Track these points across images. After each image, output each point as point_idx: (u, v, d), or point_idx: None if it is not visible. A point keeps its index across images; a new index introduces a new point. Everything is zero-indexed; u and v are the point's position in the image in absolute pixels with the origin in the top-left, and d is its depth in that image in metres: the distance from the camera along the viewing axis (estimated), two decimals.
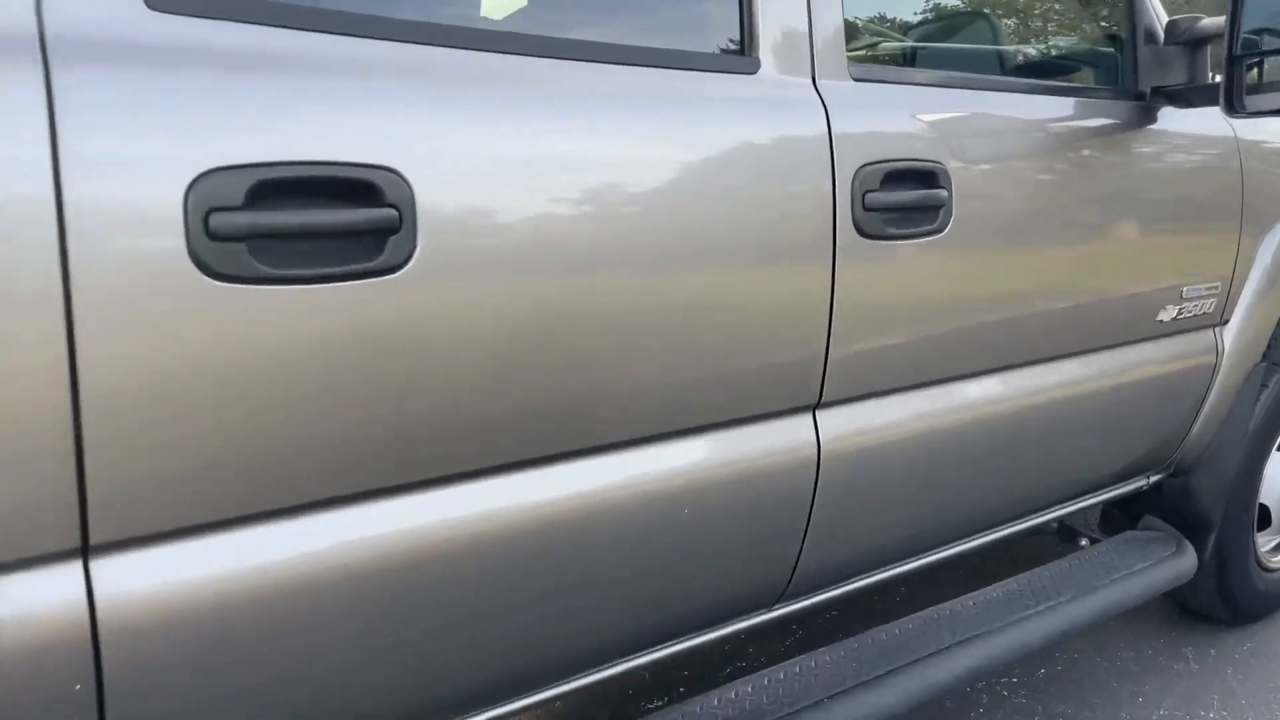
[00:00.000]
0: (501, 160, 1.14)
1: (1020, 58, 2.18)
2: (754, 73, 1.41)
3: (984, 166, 1.64)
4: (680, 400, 1.34)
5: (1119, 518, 2.43)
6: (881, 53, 1.89)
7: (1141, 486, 2.30)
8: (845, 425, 1.55)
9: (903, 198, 1.50)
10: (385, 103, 1.07)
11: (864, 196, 1.45)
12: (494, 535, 1.22)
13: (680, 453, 1.38)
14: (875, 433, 1.60)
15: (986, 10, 2.15)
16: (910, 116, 1.55)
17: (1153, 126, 1.95)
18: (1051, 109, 1.80)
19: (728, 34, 1.41)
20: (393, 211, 1.05)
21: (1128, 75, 1.99)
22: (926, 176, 1.53)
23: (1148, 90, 1.97)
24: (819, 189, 1.41)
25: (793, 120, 1.41)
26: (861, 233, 1.45)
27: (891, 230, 1.49)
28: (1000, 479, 1.88)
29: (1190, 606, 2.56)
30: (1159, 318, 2.02)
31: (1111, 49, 2.09)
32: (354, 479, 1.10)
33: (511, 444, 1.21)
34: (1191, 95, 1.96)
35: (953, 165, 1.56)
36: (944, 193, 1.54)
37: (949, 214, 1.56)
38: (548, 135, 1.18)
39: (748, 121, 1.37)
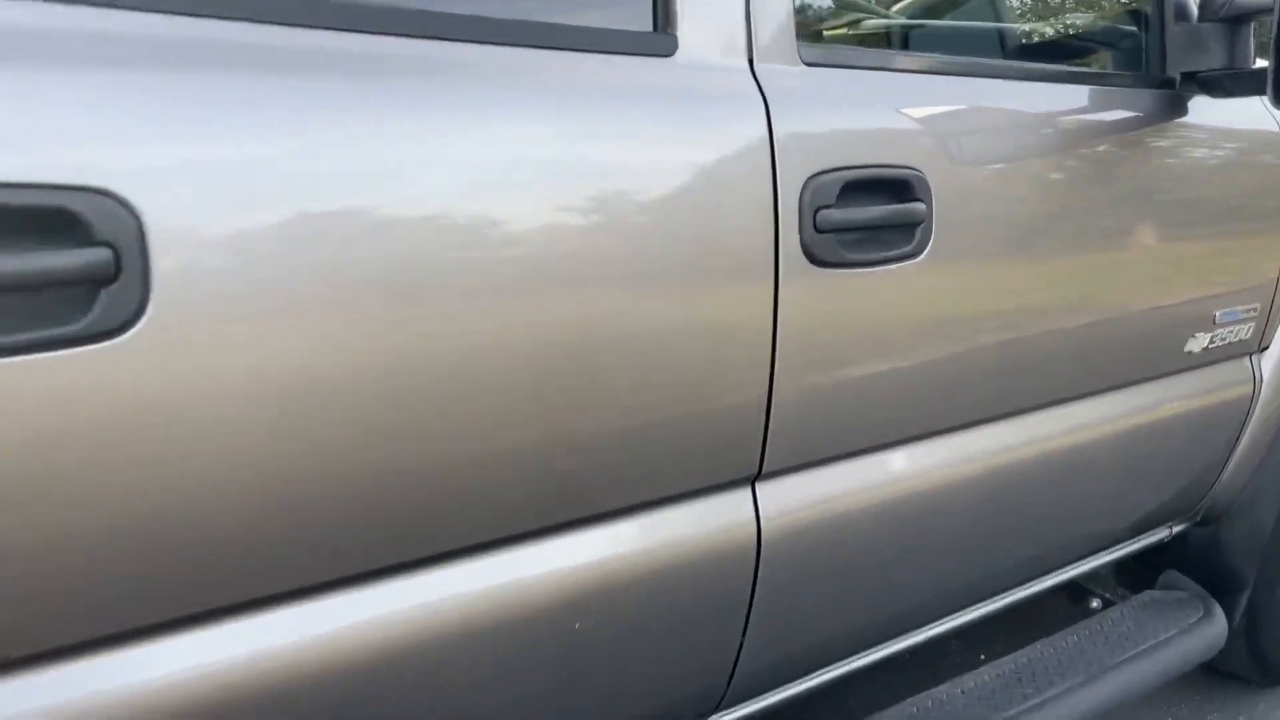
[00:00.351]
0: (287, 173, 0.82)
1: (1024, 38, 1.87)
2: (670, 54, 1.09)
3: (974, 173, 1.34)
4: (572, 485, 1.05)
5: (1135, 570, 2.15)
6: (846, 30, 1.57)
7: (1163, 538, 2.02)
8: (793, 498, 1.25)
9: (868, 214, 1.20)
10: (93, 96, 0.75)
11: (815, 214, 1.14)
12: (305, 675, 0.92)
13: (574, 548, 1.08)
14: (831, 504, 1.29)
15: None
16: (880, 111, 1.25)
17: (1183, 120, 1.65)
18: (1061, 100, 1.50)
19: (636, 3, 1.09)
20: (105, 251, 0.74)
21: (1154, 59, 1.70)
22: (899, 187, 1.22)
23: (1177, 76, 1.67)
24: (756, 205, 1.10)
25: (721, 116, 1.10)
26: (812, 259, 1.15)
27: (852, 256, 1.18)
28: (994, 546, 1.58)
29: (1216, 665, 2.25)
30: (1187, 349, 1.73)
31: (1134, 27, 1.81)
32: (85, 628, 0.81)
33: (312, 561, 0.90)
34: (1230, 83, 1.66)
35: (934, 172, 1.25)
36: (921, 206, 1.23)
37: (928, 233, 1.25)
38: (368, 136, 0.87)
39: (660, 118, 1.06)
